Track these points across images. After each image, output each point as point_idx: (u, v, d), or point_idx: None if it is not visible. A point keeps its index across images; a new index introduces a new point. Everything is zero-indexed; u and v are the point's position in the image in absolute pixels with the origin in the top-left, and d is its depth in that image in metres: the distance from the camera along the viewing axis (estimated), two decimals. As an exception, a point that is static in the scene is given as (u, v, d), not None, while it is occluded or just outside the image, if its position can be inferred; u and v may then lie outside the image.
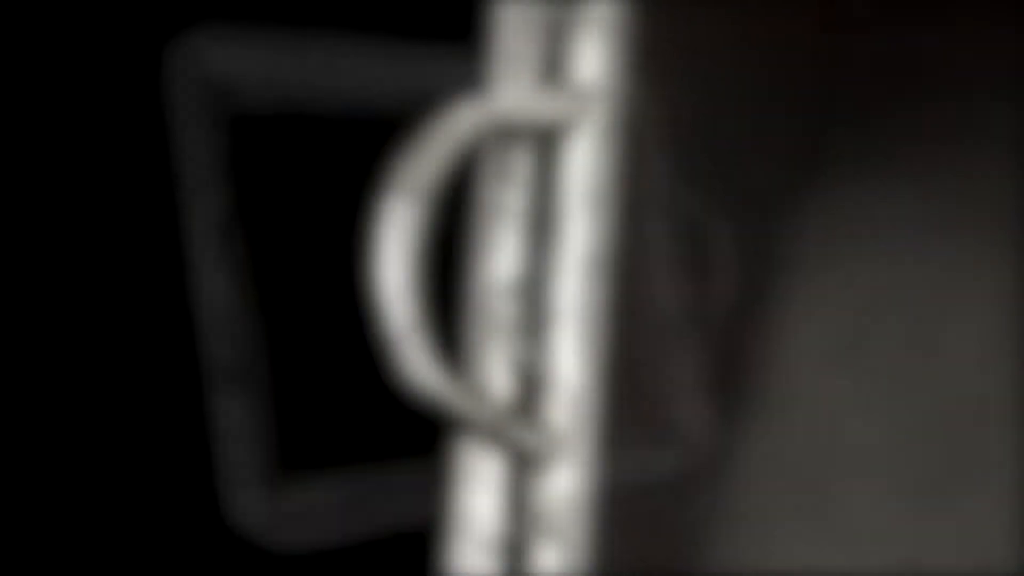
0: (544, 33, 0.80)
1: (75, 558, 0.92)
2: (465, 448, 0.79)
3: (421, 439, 0.85)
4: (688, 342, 0.78)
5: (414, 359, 0.75)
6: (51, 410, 0.90)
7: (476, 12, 0.81)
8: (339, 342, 0.89)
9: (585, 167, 0.80)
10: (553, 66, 0.80)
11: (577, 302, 0.79)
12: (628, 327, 0.79)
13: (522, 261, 0.80)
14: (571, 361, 0.78)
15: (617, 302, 0.79)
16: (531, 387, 0.79)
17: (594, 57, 0.79)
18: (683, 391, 0.79)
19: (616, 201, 0.79)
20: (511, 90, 0.80)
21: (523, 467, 0.78)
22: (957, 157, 0.72)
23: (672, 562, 0.76)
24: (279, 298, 0.93)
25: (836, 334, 0.74)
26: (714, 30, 0.79)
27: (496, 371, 0.79)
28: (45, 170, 0.89)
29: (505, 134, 0.79)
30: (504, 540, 0.78)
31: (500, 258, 0.80)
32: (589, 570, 0.77)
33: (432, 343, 0.75)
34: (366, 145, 0.91)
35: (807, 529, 0.73)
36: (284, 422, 0.94)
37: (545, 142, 0.80)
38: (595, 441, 0.78)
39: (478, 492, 0.79)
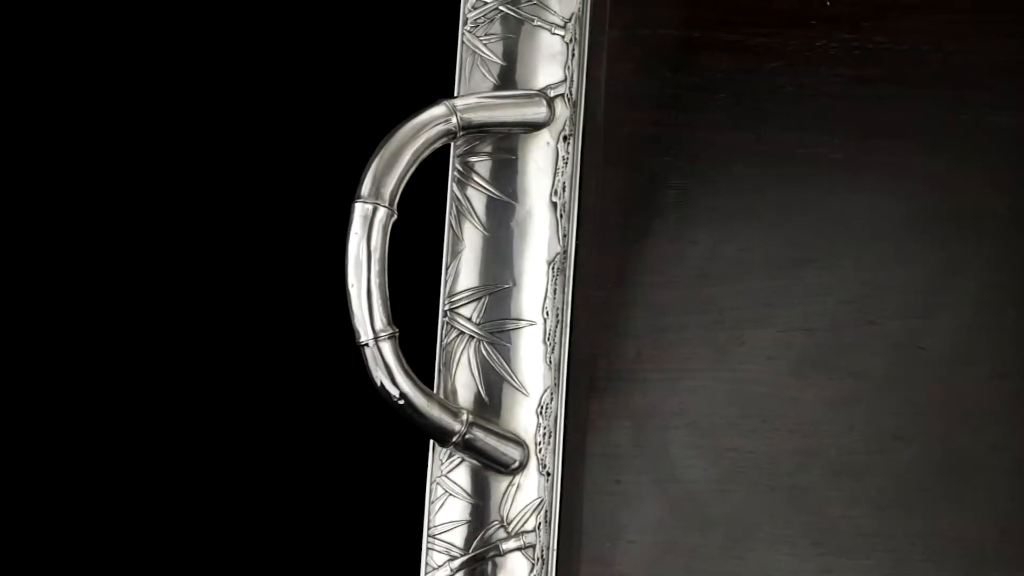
0: (509, 42, 0.79)
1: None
2: (435, 455, 0.77)
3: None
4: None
5: (385, 366, 0.73)
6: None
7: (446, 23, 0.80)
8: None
9: (548, 170, 0.78)
10: (516, 73, 0.79)
11: (542, 307, 0.77)
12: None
13: (488, 266, 0.78)
14: (537, 368, 0.77)
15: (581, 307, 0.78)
16: (498, 394, 0.77)
17: (555, 65, 0.78)
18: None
19: (579, 205, 0.78)
20: (477, 94, 0.78)
21: (492, 473, 0.77)
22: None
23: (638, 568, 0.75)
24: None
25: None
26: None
27: (463, 379, 0.78)
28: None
29: (472, 136, 0.77)
30: (473, 544, 0.76)
31: (466, 262, 0.78)
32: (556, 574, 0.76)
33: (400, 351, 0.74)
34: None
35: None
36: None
37: (509, 148, 0.78)
38: (562, 448, 0.76)
39: (447, 498, 0.77)
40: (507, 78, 0.79)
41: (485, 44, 0.79)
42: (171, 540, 0.89)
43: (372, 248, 0.73)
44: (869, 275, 0.73)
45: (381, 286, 0.73)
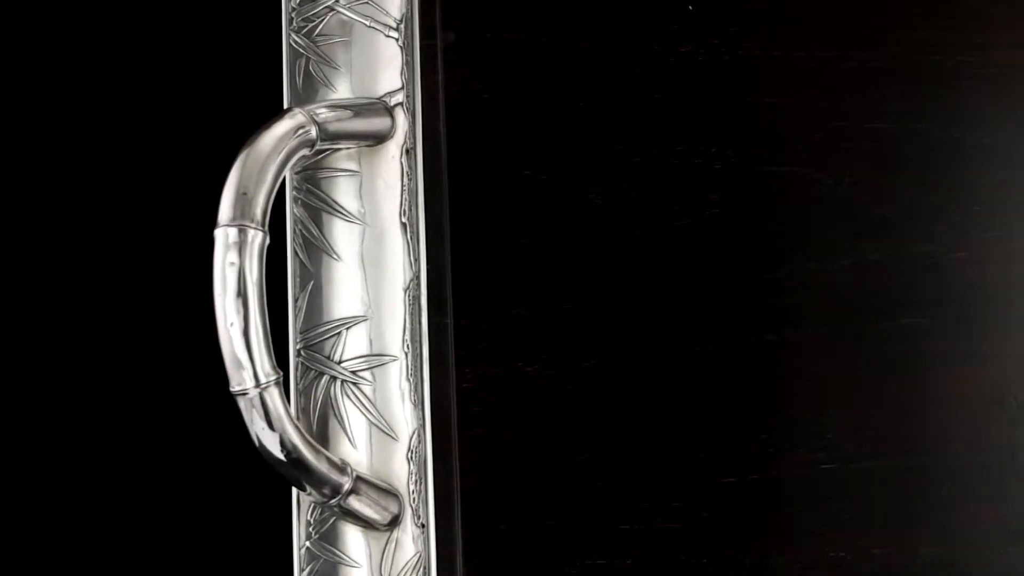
0: (342, 45, 0.70)
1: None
2: (300, 515, 0.67)
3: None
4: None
5: (267, 418, 0.63)
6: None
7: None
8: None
9: (395, 187, 0.70)
10: (353, 80, 0.70)
11: (403, 340, 0.69)
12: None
13: (342, 297, 0.69)
14: (405, 408, 0.68)
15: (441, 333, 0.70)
16: (366, 440, 0.68)
17: (392, 71, 0.70)
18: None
19: (426, 224, 0.70)
20: (325, 102, 0.69)
21: (367, 531, 0.68)
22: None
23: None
24: None
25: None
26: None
27: (324, 425, 0.68)
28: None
29: (326, 146, 0.68)
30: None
31: (317, 294, 0.69)
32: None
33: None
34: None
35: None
36: None
37: (352, 163, 0.70)
38: (436, 504, 0.68)
39: (320, 563, 0.67)
40: (343, 85, 0.70)
41: (317, 47, 0.70)
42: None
43: (249, 278, 0.63)
44: (760, 288, 0.70)
45: (264, 324, 0.62)
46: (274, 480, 0.65)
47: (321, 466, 0.64)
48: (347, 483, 0.65)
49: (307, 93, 0.70)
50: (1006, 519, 0.69)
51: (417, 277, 0.69)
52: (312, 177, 0.70)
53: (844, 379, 0.70)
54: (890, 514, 0.69)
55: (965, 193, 0.71)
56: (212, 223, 0.63)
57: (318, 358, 0.68)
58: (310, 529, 0.67)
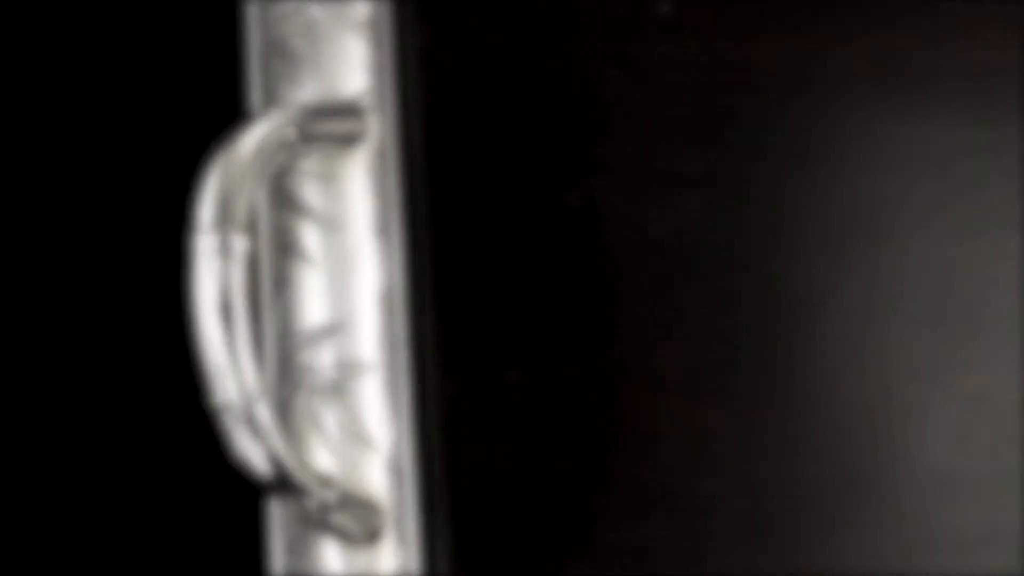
0: (310, 40, 0.68)
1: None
2: (290, 524, 0.65)
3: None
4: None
5: (254, 433, 0.60)
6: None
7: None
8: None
9: (371, 191, 0.68)
10: (324, 77, 0.68)
11: (382, 348, 0.67)
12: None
13: (320, 304, 0.67)
14: (386, 418, 0.66)
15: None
16: (347, 453, 0.66)
17: (365, 69, 0.69)
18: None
19: (406, 230, 0.69)
20: (300, 104, 0.67)
21: (350, 548, 0.66)
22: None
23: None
24: None
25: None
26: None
27: (304, 437, 0.66)
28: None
29: (302, 148, 0.66)
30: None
31: (294, 301, 0.67)
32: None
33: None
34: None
35: None
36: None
37: (326, 165, 0.68)
38: (418, 515, 0.67)
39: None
40: (314, 86, 0.68)
41: (285, 44, 0.68)
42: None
43: (234, 286, 0.60)
44: (742, 291, 0.69)
45: (250, 334, 0.60)
46: (252, 494, 0.63)
47: (307, 480, 0.62)
48: (332, 497, 0.63)
49: (276, 93, 0.68)
50: (991, 520, 0.69)
51: (395, 283, 0.68)
52: (284, 181, 0.67)
53: (827, 383, 0.69)
54: (876, 518, 0.69)
55: (946, 194, 0.71)
56: (179, 227, 0.61)
57: (296, 367, 0.66)
58: (289, 545, 0.65)
